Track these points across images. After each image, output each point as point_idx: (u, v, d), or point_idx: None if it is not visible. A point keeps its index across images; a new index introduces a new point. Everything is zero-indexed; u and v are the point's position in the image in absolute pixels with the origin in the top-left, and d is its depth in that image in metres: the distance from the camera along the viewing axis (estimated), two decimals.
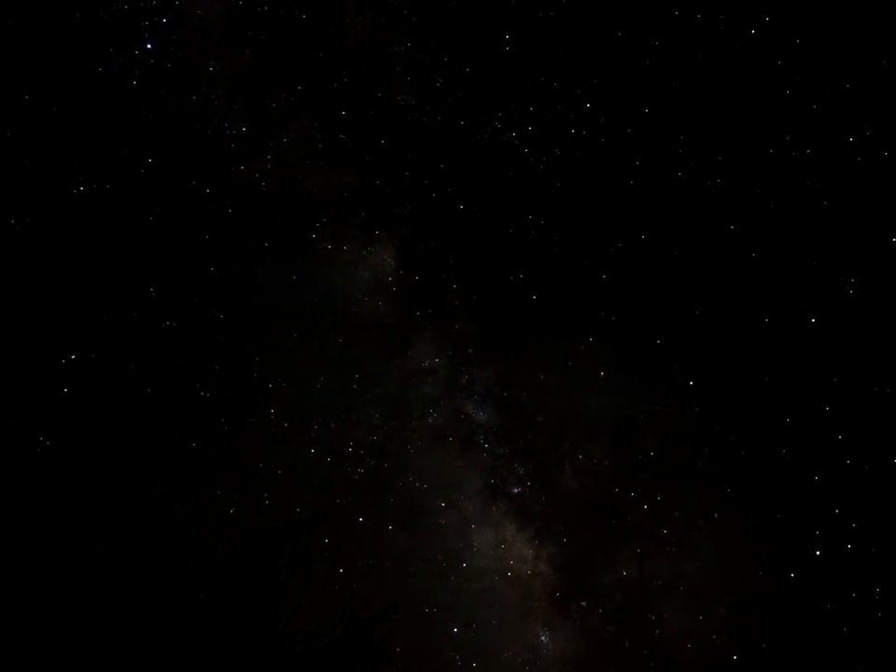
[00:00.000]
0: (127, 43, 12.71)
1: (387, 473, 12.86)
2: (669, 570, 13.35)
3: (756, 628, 13.02)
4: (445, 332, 13.38)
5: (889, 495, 12.24)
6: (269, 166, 12.68)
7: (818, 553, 12.53)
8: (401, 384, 13.24)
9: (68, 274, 11.86)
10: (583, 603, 13.47)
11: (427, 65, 13.72)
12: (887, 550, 12.26)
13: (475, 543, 13.33)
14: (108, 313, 11.99)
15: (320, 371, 12.59)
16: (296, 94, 13.23)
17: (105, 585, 4.52)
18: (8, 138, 12.14)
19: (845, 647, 12.37)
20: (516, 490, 13.53)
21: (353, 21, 13.66)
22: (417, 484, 12.98)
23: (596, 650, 13.33)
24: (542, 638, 13.41)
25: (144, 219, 12.28)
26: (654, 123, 13.41)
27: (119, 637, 4.48)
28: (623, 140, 13.56)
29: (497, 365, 13.56)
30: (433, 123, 13.63)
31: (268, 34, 13.42)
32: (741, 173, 12.89)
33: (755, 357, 13.17)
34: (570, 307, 13.52)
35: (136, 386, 11.85)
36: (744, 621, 13.07)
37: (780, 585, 12.89)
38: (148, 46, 12.75)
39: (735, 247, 13.05)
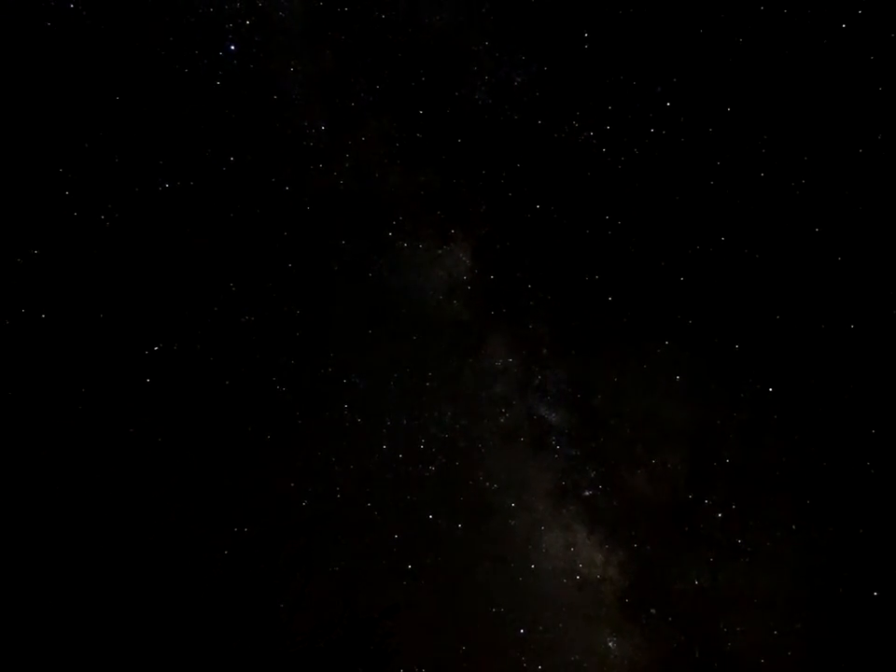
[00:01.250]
0: (212, 45, 13.04)
1: (458, 471, 12.88)
2: (743, 581, 13.00)
3: (834, 647, 12.56)
4: (519, 332, 13.33)
5: None
6: (347, 165, 12.85)
7: None
8: (474, 383, 13.25)
9: (155, 269, 12.25)
10: (653, 610, 13.22)
11: (505, 64, 13.69)
12: None
13: (544, 545, 13.24)
14: (190, 306, 12.34)
15: (394, 368, 12.70)
16: (374, 94, 13.36)
17: (105, 584, 4.54)
18: (101, 137, 12.61)
19: None
20: (587, 493, 13.39)
21: (431, 20, 13.71)
22: (488, 484, 12.96)
23: (665, 659, 13.08)
24: (610, 644, 13.23)
25: (225, 216, 12.59)
26: (737, 122, 13.06)
27: (119, 636, 4.48)
28: (704, 139, 13.26)
29: (570, 366, 13.44)
30: (510, 122, 13.58)
31: (347, 34, 13.60)
32: (830, 174, 12.45)
33: (840, 364, 12.71)
34: (647, 309, 13.28)
35: (216, 379, 12.15)
36: (822, 638, 12.62)
37: (862, 603, 12.40)
38: (232, 47, 13.05)
39: (820, 250, 12.62)
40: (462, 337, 13.16)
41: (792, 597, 12.91)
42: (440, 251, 13.20)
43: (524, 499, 13.17)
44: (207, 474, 12.28)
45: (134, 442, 12.01)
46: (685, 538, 13.22)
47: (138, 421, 11.76)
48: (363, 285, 12.78)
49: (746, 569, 12.97)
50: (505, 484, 13.08)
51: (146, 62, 12.73)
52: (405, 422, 12.77)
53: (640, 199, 13.49)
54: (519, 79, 13.59)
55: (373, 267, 12.88)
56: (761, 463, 13.09)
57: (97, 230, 12.08)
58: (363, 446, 12.51)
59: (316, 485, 12.28)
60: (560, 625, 13.20)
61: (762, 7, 12.90)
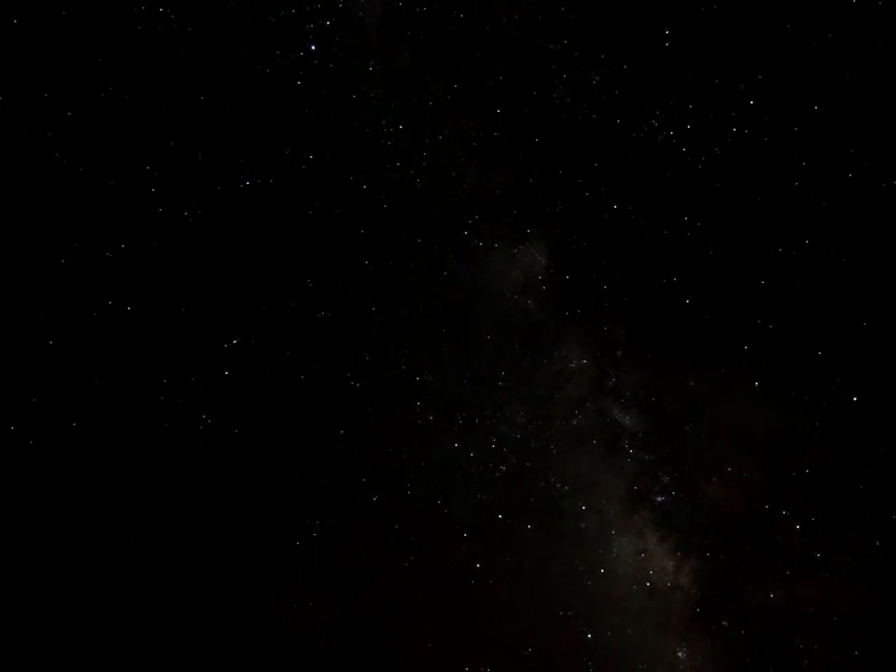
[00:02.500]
0: (292, 45, 13.26)
1: (529, 472, 12.81)
2: (822, 597, 12.55)
3: None
4: (594, 333, 13.17)
5: None
6: (424, 163, 12.90)
7: None
8: (547, 383, 13.15)
9: (235, 264, 12.54)
10: (725, 623, 12.90)
11: (583, 62, 13.55)
12: None
13: (614, 550, 13.06)
14: (268, 301, 12.58)
15: (467, 367, 12.71)
16: (452, 93, 13.38)
17: (108, 584, 4.57)
18: (185, 135, 12.96)
19: None
20: (660, 499, 13.15)
21: (509, 18, 13.66)
22: (559, 486, 12.85)
23: None
24: (679, 654, 12.97)
25: (304, 214, 12.79)
26: (824, 121, 12.64)
27: (119, 636, 4.50)
28: (790, 138, 12.87)
29: (645, 369, 13.22)
30: (588, 121, 13.43)
31: (425, 33, 13.65)
32: None
33: None
34: (725, 313, 12.95)
35: (291, 373, 12.37)
36: None
37: None
38: (312, 47, 13.24)
39: None
40: (536, 337, 13.10)
41: (874, 616, 12.42)
42: (515, 250, 13.17)
43: (594, 503, 13.03)
44: (274, 469, 12.51)
45: (207, 435, 12.30)
46: (760, 549, 12.87)
47: (216, 414, 12.06)
48: (438, 283, 12.84)
49: (824, 585, 12.54)
50: (576, 487, 12.96)
51: (228, 62, 13.03)
52: (477, 421, 12.78)
53: (721, 200, 13.17)
54: (598, 78, 13.44)
55: (449, 266, 12.92)
56: (842, 475, 12.64)
57: (181, 226, 12.43)
58: (434, 444, 12.56)
59: (387, 481, 12.39)
60: (628, 632, 13.01)
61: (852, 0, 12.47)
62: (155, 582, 4.52)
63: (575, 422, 13.12)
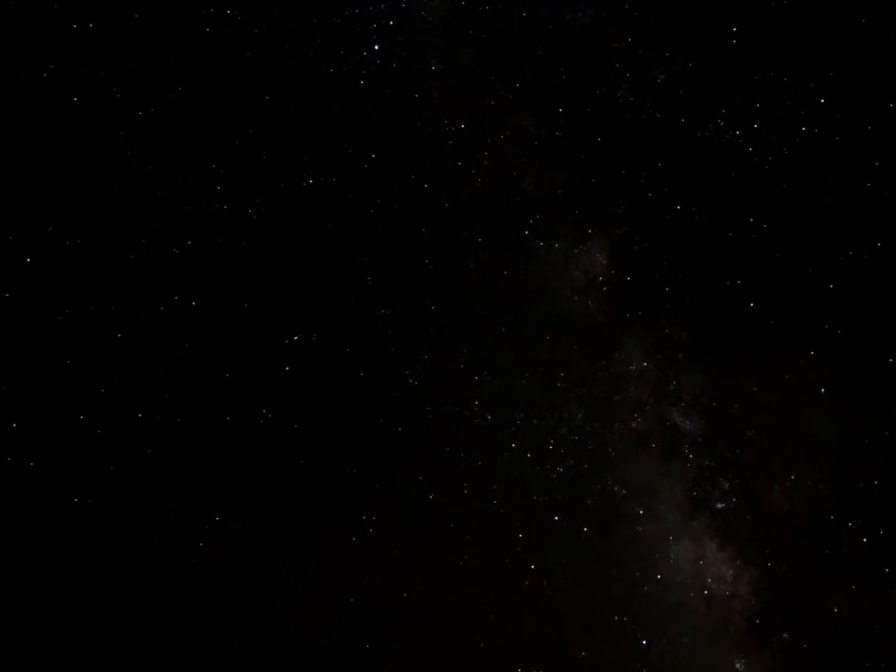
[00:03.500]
0: (356, 45, 13.39)
1: (586, 474, 12.68)
2: (890, 614, 12.13)
3: None
4: (655, 336, 12.96)
5: None
6: (485, 163, 12.89)
7: None
8: (606, 385, 13.00)
9: (297, 261, 12.73)
10: (785, 635, 12.55)
11: (648, 61, 13.37)
12: None
13: (672, 556, 12.83)
14: (329, 298, 12.73)
15: (526, 367, 12.64)
16: (514, 92, 13.35)
17: (106, 584, 4.56)
18: (249, 134, 13.20)
19: None
20: (720, 505, 12.87)
21: (573, 17, 13.57)
22: (616, 489, 12.69)
23: None
24: (738, 666, 12.67)
25: (365, 212, 12.91)
26: None
27: (120, 636, 4.49)
28: (861, 139, 12.49)
29: (707, 373, 12.96)
30: (651, 121, 13.25)
31: (488, 32, 13.64)
32: None
33: None
34: (791, 317, 12.63)
35: (351, 370, 12.49)
36: None
37: None
38: (376, 47, 13.36)
39: None
40: (596, 338, 12.94)
41: None
42: (576, 251, 13.05)
43: (652, 507, 12.83)
44: (332, 465, 12.63)
45: (267, 429, 12.48)
46: (825, 561, 12.49)
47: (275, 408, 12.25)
48: (498, 283, 12.81)
49: (893, 602, 12.12)
50: (634, 491, 12.79)
51: (293, 62, 13.23)
52: (535, 422, 12.71)
53: (788, 201, 12.85)
54: (662, 76, 13.26)
55: (509, 265, 12.88)
56: None
57: (246, 223, 12.66)
58: (491, 443, 12.53)
59: (444, 480, 12.40)
60: (685, 640, 12.78)
61: None
62: (156, 582, 4.55)
63: (634, 425, 12.96)
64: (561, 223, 13.08)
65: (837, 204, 12.68)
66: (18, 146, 11.82)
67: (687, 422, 12.94)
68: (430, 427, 12.43)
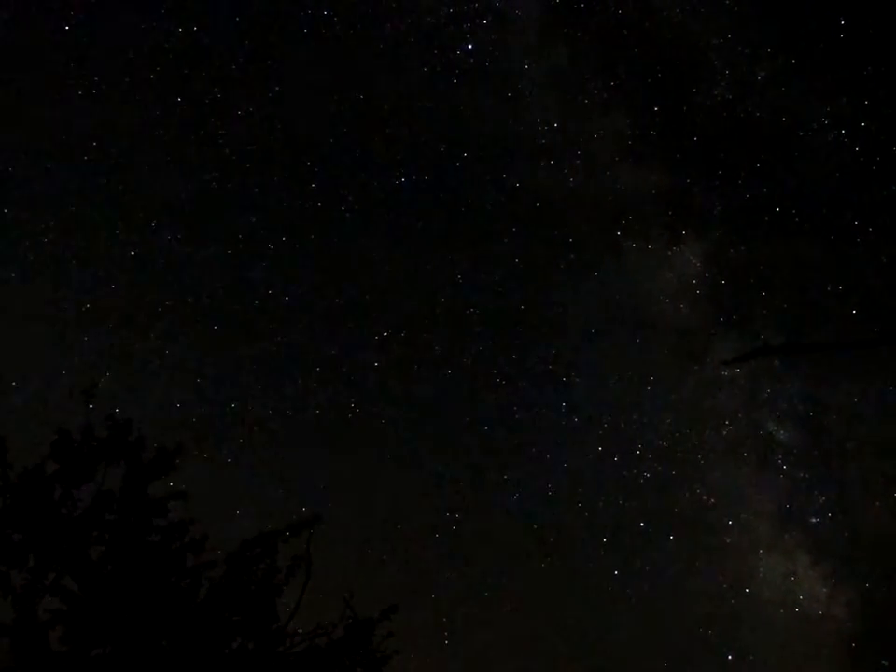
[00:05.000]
0: (450, 44, 13.43)
1: (674, 481, 12.41)
2: None
3: None
4: (749, 341, 12.57)
5: None
6: (577, 162, 12.75)
7: None
8: (697, 390, 12.69)
9: (387, 257, 12.93)
10: (885, 661, 11.97)
11: (747, 58, 12.98)
12: None
13: (761, 570, 12.41)
14: (418, 295, 12.86)
15: (615, 370, 12.46)
16: (608, 91, 13.16)
17: (105, 584, 4.53)
18: (344, 133, 13.45)
19: None
20: (814, 520, 12.38)
21: (669, 13, 13.28)
22: (705, 498, 12.36)
23: None
24: None
25: (457, 210, 12.98)
26: None
27: (118, 636, 4.45)
28: None
29: (804, 381, 12.50)
30: (751, 119, 12.85)
31: (583, 30, 13.49)
32: None
33: None
34: None
35: (438, 367, 12.60)
36: None
37: None
38: (469, 46, 13.37)
39: None
40: (687, 342, 12.63)
41: None
42: (669, 253, 12.76)
43: (742, 518, 12.46)
44: (416, 461, 12.76)
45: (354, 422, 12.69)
46: None
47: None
48: (589, 283, 12.66)
49: None
50: (723, 500, 12.44)
51: (387, 62, 13.39)
52: (622, 425, 12.50)
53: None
54: (763, 73, 12.85)
55: (600, 266, 12.72)
56: None
57: (338, 220, 12.91)
58: (578, 446, 12.40)
59: (530, 481, 12.37)
60: (773, 658, 12.37)
61: None
62: (154, 582, 4.59)
63: (725, 432, 12.59)
64: (654, 224, 12.83)
65: None
66: (132, 144, 12.40)
67: (781, 431, 12.50)
68: (516, 426, 12.42)
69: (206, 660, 4.70)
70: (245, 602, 4.77)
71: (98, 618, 4.55)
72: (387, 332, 12.45)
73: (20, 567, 4.53)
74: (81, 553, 4.64)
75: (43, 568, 4.57)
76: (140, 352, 11.91)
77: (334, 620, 4.82)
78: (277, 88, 13.13)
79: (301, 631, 4.83)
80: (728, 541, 12.40)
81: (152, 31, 12.30)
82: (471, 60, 13.33)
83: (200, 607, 4.75)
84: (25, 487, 4.64)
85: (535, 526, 12.06)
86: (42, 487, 4.68)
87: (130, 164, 12.22)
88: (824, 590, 12.28)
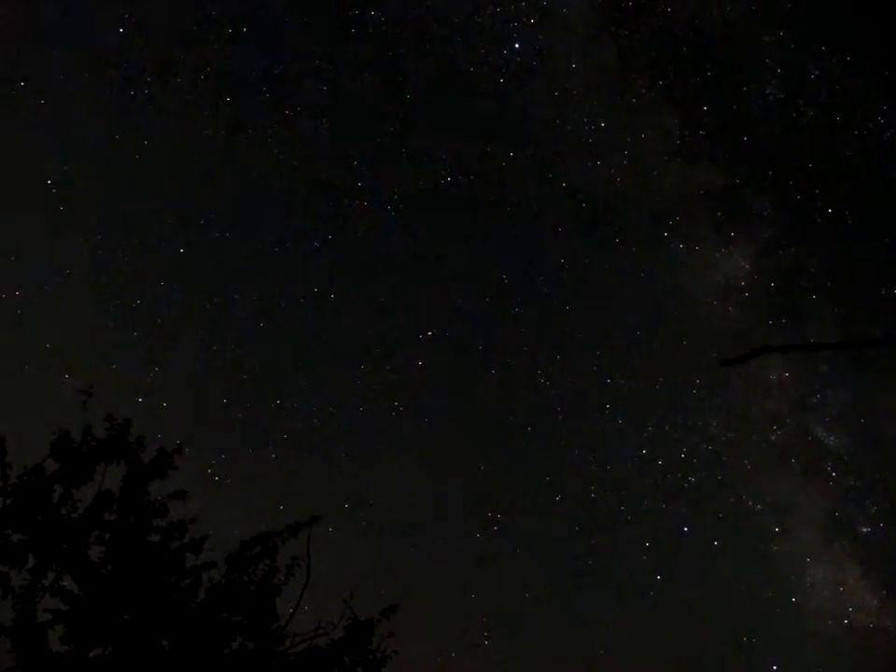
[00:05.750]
0: (497, 43, 13.41)
1: (720, 486, 12.22)
2: None
3: None
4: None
5: None
6: (625, 162, 12.63)
7: None
8: (744, 394, 12.49)
9: (431, 258, 12.97)
10: None
11: (800, 56, 12.72)
12: None
13: (809, 579, 12.15)
14: (464, 295, 12.87)
15: (660, 372, 12.30)
16: (656, 89, 13.01)
17: (105, 584, 4.51)
18: (390, 132, 13.51)
19: None
20: (865, 529, 12.09)
21: (720, 11, 13.09)
22: (751, 503, 12.15)
23: None
24: None
25: (502, 210, 12.96)
26: None
27: (118, 636, 4.42)
28: None
29: (856, 387, 12.22)
30: (803, 118, 12.60)
31: (631, 29, 13.34)
32: None
33: None
34: None
35: (483, 367, 12.61)
36: None
37: None
38: (516, 45, 13.32)
39: None
40: (735, 345, 12.44)
41: None
42: (717, 254, 12.57)
43: (790, 526, 12.22)
44: (459, 461, 12.76)
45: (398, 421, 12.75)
46: None
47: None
48: (635, 284, 12.55)
49: None
50: (770, 507, 12.20)
51: (435, 62, 13.41)
52: (667, 428, 12.35)
53: None
54: (816, 72, 12.58)
55: (647, 267, 12.59)
56: None
57: (384, 220, 12.98)
58: (622, 448, 12.30)
59: (573, 482, 12.29)
60: (819, 670, 12.13)
61: None
62: (153, 583, 4.61)
63: (773, 438, 12.36)
64: (702, 225, 12.66)
65: None
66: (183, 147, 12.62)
67: (831, 438, 12.23)
68: (560, 427, 12.35)
69: (206, 660, 4.72)
70: (245, 602, 4.79)
71: (98, 618, 4.61)
72: (432, 331, 12.50)
73: (20, 567, 4.59)
74: (81, 554, 4.70)
75: (43, 568, 4.63)
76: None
77: (334, 620, 4.84)
78: (325, 88, 13.26)
79: (297, 633, 4.85)
80: (774, 549, 12.20)
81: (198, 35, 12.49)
82: (518, 59, 13.30)
83: (200, 607, 4.78)
84: (25, 487, 4.72)
85: (576, 528, 12.00)
86: (42, 487, 4.75)
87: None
88: (875, 602, 12.00)
